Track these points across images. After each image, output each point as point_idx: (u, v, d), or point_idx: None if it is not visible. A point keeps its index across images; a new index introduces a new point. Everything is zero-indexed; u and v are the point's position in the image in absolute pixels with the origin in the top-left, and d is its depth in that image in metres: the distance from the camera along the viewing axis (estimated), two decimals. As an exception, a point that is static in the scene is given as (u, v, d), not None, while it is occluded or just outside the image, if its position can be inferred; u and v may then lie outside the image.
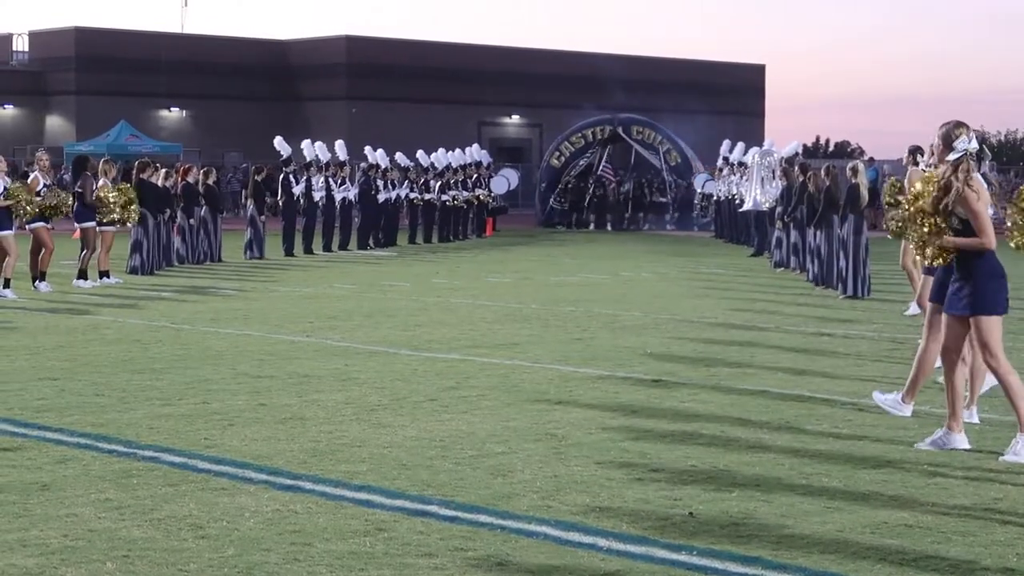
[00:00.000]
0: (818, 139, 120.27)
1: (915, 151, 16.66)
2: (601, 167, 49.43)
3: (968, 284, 9.60)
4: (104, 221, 23.03)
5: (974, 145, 9.57)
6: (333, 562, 6.74)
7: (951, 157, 9.54)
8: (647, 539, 7.24)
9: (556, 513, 7.75)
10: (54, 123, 69.13)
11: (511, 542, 7.16)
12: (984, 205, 9.59)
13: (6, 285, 20.36)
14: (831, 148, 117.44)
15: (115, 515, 7.55)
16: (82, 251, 23.05)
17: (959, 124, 9.66)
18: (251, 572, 6.57)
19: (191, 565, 6.66)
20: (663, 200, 48.97)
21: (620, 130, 49.42)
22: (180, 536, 7.16)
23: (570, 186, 49.63)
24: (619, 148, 50.19)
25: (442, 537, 7.22)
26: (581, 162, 49.66)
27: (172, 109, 70.13)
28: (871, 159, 54.96)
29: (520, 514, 7.71)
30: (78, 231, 23.43)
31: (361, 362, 13.74)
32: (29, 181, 21.48)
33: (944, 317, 9.99)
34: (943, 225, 9.66)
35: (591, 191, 49.09)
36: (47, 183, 22.03)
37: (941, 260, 9.78)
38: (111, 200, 22.79)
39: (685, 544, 7.15)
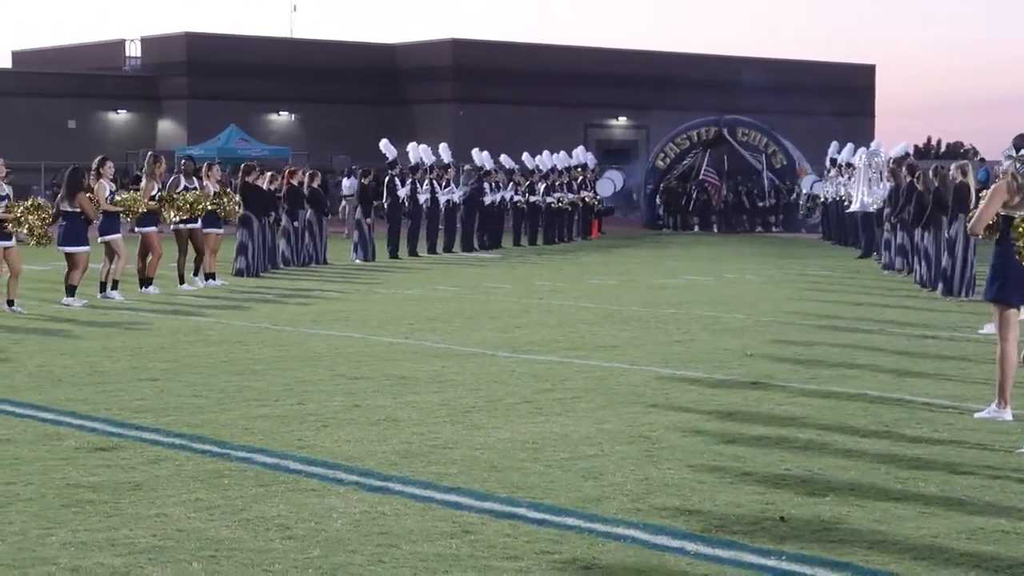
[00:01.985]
0: (929, 140, 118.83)
1: None
2: (703, 172, 48.92)
3: None
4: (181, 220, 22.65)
5: None
6: (418, 564, 6.73)
7: None
8: (736, 543, 7.15)
9: (645, 516, 7.68)
10: (166, 127, 70.10)
11: (598, 545, 7.10)
12: None
13: (114, 287, 20.66)
14: (943, 149, 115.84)
15: (204, 515, 7.60)
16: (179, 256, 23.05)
17: None
18: (335, 573, 6.58)
19: (276, 566, 6.68)
20: (763, 204, 48.54)
21: (725, 131, 49.02)
22: (267, 537, 7.19)
23: (670, 188, 49.30)
24: (721, 150, 49.71)
25: (529, 540, 7.18)
26: (684, 163, 49.33)
27: (281, 113, 70.84)
28: (982, 159, 54.09)
29: (609, 517, 7.65)
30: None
31: (458, 364, 13.74)
32: (143, 187, 21.76)
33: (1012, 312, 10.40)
34: None
35: (694, 196, 48.73)
36: (159, 188, 22.30)
37: None
38: (188, 201, 22.33)
39: (775, 549, 7.05)
